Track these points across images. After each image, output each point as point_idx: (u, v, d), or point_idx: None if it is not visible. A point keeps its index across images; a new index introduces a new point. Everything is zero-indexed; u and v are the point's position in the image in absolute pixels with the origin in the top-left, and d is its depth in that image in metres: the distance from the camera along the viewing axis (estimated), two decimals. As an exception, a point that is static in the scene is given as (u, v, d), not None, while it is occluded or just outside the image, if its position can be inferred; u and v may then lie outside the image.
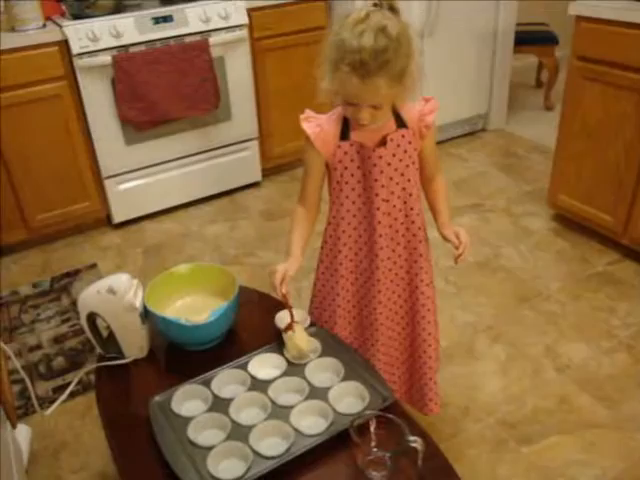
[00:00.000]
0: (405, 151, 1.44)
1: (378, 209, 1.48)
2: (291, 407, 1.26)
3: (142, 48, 2.89)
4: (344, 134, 1.42)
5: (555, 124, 2.88)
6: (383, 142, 1.42)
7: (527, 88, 4.91)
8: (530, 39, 4.28)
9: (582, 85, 2.65)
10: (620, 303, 2.48)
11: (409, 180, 1.47)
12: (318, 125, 1.42)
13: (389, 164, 1.43)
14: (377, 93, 1.27)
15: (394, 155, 1.43)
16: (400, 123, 1.43)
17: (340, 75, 1.26)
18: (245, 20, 3.12)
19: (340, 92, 1.32)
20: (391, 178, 1.45)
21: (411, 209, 1.51)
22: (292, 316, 1.43)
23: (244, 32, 3.14)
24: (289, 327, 1.41)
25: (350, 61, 1.22)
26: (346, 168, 1.45)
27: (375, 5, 1.26)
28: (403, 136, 1.42)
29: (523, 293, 2.56)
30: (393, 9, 1.27)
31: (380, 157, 1.42)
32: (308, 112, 1.45)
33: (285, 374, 1.36)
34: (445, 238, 1.56)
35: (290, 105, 3.45)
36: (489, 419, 1.98)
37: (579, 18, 2.60)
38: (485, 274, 2.69)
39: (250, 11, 3.15)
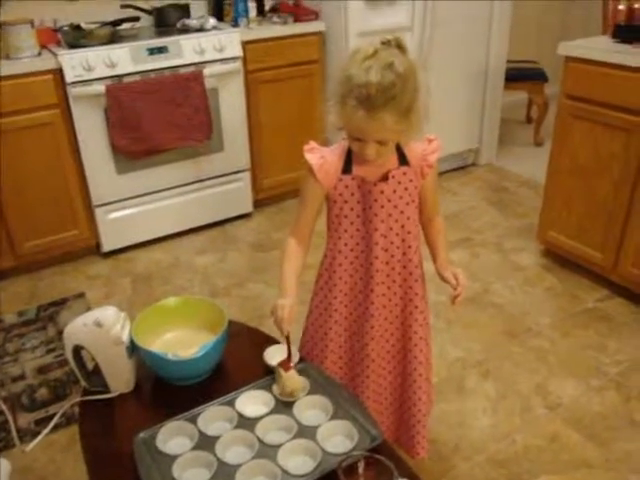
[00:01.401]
0: (406, 188, 1.44)
1: (376, 244, 1.47)
2: (278, 446, 1.24)
3: (136, 78, 2.91)
4: (346, 168, 1.43)
5: (545, 160, 2.91)
6: (384, 178, 1.42)
7: (517, 124, 4.97)
8: (520, 76, 4.35)
9: (571, 123, 2.69)
10: (610, 340, 2.47)
11: (408, 218, 1.47)
12: (322, 157, 1.43)
13: (389, 200, 1.43)
14: (383, 128, 1.28)
15: (394, 191, 1.43)
16: (402, 160, 1.44)
17: (347, 109, 1.27)
18: (239, 52, 3.15)
19: (346, 126, 1.33)
20: (390, 215, 1.45)
21: (409, 247, 1.50)
22: (290, 356, 1.40)
23: (238, 64, 3.16)
24: (286, 367, 1.38)
25: (357, 95, 1.24)
26: (346, 202, 1.45)
27: (383, 43, 1.28)
28: (405, 173, 1.43)
29: (513, 329, 2.56)
30: (401, 47, 1.29)
31: (382, 192, 1.42)
32: (312, 143, 1.45)
33: (273, 412, 1.34)
34: (443, 279, 1.55)
35: (282, 137, 3.48)
36: (479, 457, 1.95)
37: (568, 58, 2.65)
38: (475, 309, 2.68)
39: (245, 44, 3.18)
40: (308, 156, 1.42)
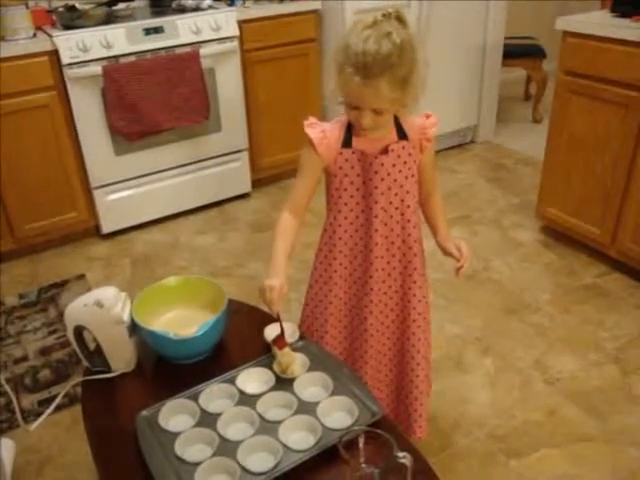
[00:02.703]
0: (405, 162, 1.45)
1: (376, 217, 1.48)
2: (279, 422, 1.25)
3: (132, 59, 2.89)
4: (346, 141, 1.43)
5: (543, 136, 2.90)
6: (384, 151, 1.43)
7: (515, 101, 4.95)
8: (518, 52, 4.32)
9: (569, 99, 2.68)
10: (608, 315, 2.49)
11: (407, 192, 1.48)
12: (322, 131, 1.43)
13: (389, 174, 1.44)
14: (378, 95, 1.29)
15: (394, 165, 1.44)
16: (401, 135, 1.44)
17: (344, 76, 1.29)
18: (236, 32, 3.13)
19: (343, 94, 1.34)
20: (390, 188, 1.46)
21: (408, 221, 1.51)
22: (283, 333, 1.41)
23: (235, 44, 3.14)
24: (280, 344, 1.39)
25: (354, 62, 1.25)
26: (346, 175, 1.45)
27: (384, 15, 1.28)
28: (404, 147, 1.44)
29: (512, 305, 2.57)
30: (401, 20, 1.30)
31: (382, 164, 1.43)
32: (312, 119, 1.46)
33: (273, 388, 1.35)
34: (445, 251, 1.57)
35: (280, 116, 3.47)
36: (478, 432, 1.97)
37: (566, 33, 2.63)
38: (474, 286, 2.69)
39: (241, 23, 3.16)
40: (308, 130, 1.43)
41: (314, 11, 3.38)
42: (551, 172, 2.88)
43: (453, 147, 4.09)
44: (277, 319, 1.41)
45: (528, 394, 2.12)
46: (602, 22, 2.51)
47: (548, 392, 2.12)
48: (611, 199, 2.62)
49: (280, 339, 1.40)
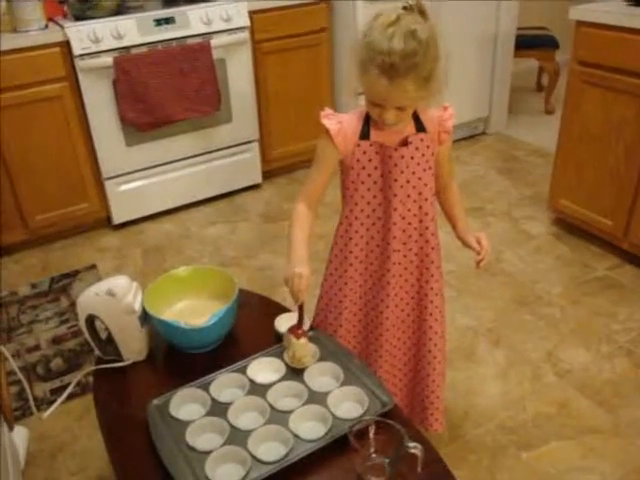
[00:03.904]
0: (423, 155, 1.44)
1: (395, 210, 1.47)
2: (290, 412, 1.26)
3: (143, 50, 2.89)
4: (364, 133, 1.42)
5: (555, 128, 2.88)
6: (402, 144, 1.42)
7: (527, 92, 4.91)
8: (531, 43, 4.28)
9: (582, 90, 2.65)
10: (620, 308, 2.47)
11: (425, 185, 1.47)
12: (339, 122, 1.41)
13: (408, 166, 1.43)
14: (404, 95, 1.28)
15: (412, 158, 1.42)
16: (419, 127, 1.43)
17: (368, 76, 1.27)
18: (247, 22, 3.12)
19: (367, 93, 1.33)
20: (408, 181, 1.44)
21: (426, 214, 1.50)
22: (302, 323, 1.40)
23: (246, 34, 3.14)
24: (296, 334, 1.38)
25: (379, 63, 1.23)
26: (363, 168, 1.44)
27: (405, 8, 1.27)
28: (422, 140, 1.43)
29: (523, 297, 2.56)
30: (422, 13, 1.27)
31: (402, 157, 1.41)
32: (328, 110, 1.44)
33: (284, 378, 1.35)
34: (466, 244, 1.56)
35: (291, 107, 3.46)
36: (489, 424, 1.97)
37: (579, 23, 2.60)
38: (485, 278, 2.68)
39: (252, 13, 3.15)
40: (325, 121, 1.41)
41: (325, 1, 3.37)
42: (563, 164, 2.86)
43: (464, 138, 4.07)
44: (299, 308, 1.39)
45: (539, 386, 2.11)
46: (616, 11, 2.48)
47: (559, 384, 2.11)
48: (624, 191, 2.60)
49: (298, 328, 1.40)
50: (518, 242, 2.94)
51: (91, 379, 1.52)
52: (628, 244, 2.68)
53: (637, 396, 2.05)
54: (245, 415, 1.28)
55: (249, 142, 3.43)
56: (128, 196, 3.18)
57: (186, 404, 1.31)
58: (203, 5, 3.04)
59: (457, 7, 3.54)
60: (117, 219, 3.21)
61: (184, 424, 1.24)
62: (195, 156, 3.29)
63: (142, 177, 3.18)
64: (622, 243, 2.70)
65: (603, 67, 2.54)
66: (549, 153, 3.61)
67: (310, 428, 1.23)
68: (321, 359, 1.40)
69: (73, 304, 2.55)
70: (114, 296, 1.39)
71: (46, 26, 2.81)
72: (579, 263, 2.77)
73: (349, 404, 1.29)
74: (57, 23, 2.86)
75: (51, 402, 2.10)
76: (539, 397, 2.07)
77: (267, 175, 3.63)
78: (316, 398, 1.29)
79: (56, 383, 2.20)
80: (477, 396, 2.08)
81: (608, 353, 2.24)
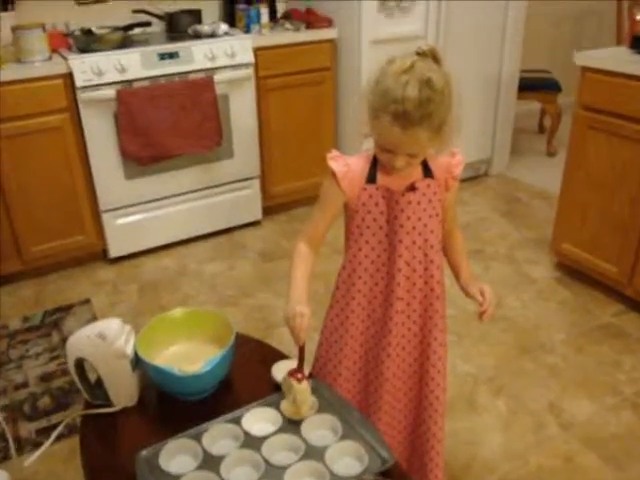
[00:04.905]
0: (430, 201, 1.40)
1: (400, 256, 1.43)
2: (285, 467, 1.19)
3: (146, 83, 2.89)
4: (370, 177, 1.39)
5: (558, 170, 2.86)
6: (409, 189, 1.38)
7: (530, 134, 4.92)
8: (533, 86, 4.31)
9: (587, 134, 2.64)
10: (625, 357, 2.42)
11: (432, 231, 1.43)
12: (346, 165, 1.38)
13: (414, 212, 1.39)
14: (417, 144, 1.26)
15: (419, 203, 1.39)
16: (427, 172, 1.40)
17: (381, 123, 1.24)
18: (251, 59, 3.12)
19: (378, 139, 1.30)
20: (414, 227, 1.41)
21: (431, 262, 1.46)
22: (302, 366, 1.35)
23: (250, 71, 3.14)
24: (299, 377, 1.32)
25: (392, 110, 1.20)
26: (369, 212, 1.41)
27: (418, 54, 1.24)
28: (429, 185, 1.39)
29: (525, 344, 2.50)
30: (436, 59, 1.25)
31: (409, 202, 1.38)
32: (335, 152, 1.41)
33: (280, 430, 1.29)
34: (469, 295, 1.51)
35: (293, 145, 3.45)
36: (491, 477, 1.90)
37: (584, 69, 2.60)
38: (487, 323, 2.59)
39: (256, 50, 3.15)
40: (332, 163, 1.38)
41: (330, 40, 3.38)
42: (567, 207, 2.83)
43: (466, 179, 4.05)
44: (300, 350, 1.34)
45: (542, 438, 2.04)
46: (622, 58, 2.48)
47: (563, 437, 2.05)
48: (629, 237, 2.56)
49: (299, 371, 1.34)
50: (520, 286, 2.90)
51: (79, 420, 1.45)
52: (632, 291, 2.63)
53: (644, 452, 1.98)
54: (238, 469, 1.21)
55: (250, 178, 3.40)
56: (125, 230, 3.14)
57: (177, 456, 1.25)
58: (208, 41, 3.04)
59: (462, 49, 3.55)
60: (114, 253, 3.16)
61: (174, 478, 1.18)
62: (195, 191, 3.26)
63: (140, 211, 3.15)
64: (626, 289, 2.66)
65: (608, 113, 2.53)
66: (551, 196, 3.60)
67: (306, 486, 1.17)
68: (319, 411, 1.34)
69: (64, 340, 2.48)
70: (105, 339, 1.34)
71: (50, 57, 2.81)
72: (582, 309, 2.72)
73: (348, 460, 1.23)
74: (61, 55, 2.86)
75: (36, 443, 2.02)
76: (542, 450, 2.00)
77: (267, 212, 3.59)
78: (313, 453, 1.23)
79: (42, 423, 2.13)
80: (478, 447, 2.02)
81: (613, 405, 2.18)
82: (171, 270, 3.12)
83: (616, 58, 2.50)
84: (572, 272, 2.94)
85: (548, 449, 2.00)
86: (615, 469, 1.92)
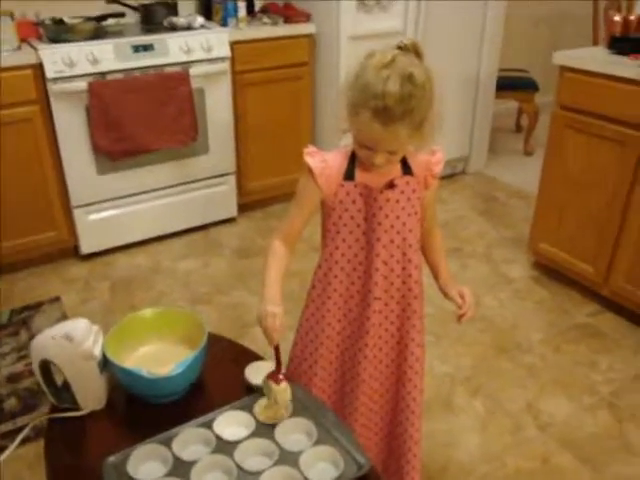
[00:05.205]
0: (409, 199, 1.37)
1: (377, 255, 1.39)
2: (258, 473, 1.15)
3: (120, 76, 2.81)
4: (348, 174, 1.35)
5: (534, 169, 2.86)
6: (388, 186, 1.35)
7: (507, 132, 4.93)
8: (511, 85, 4.31)
9: (565, 134, 2.63)
10: (601, 356, 2.42)
11: (410, 230, 1.40)
12: (323, 161, 1.34)
13: (392, 210, 1.36)
14: (397, 140, 1.22)
15: (397, 201, 1.36)
16: (406, 169, 1.36)
17: (360, 119, 1.20)
18: (227, 53, 3.07)
19: (357, 135, 1.26)
20: (392, 226, 1.37)
21: (409, 261, 1.42)
22: (280, 368, 1.31)
23: (226, 65, 3.08)
24: (278, 379, 1.28)
25: (373, 106, 1.17)
26: (346, 210, 1.37)
27: (400, 48, 1.20)
28: (408, 183, 1.36)
29: (502, 344, 2.49)
30: (418, 54, 1.22)
31: (387, 200, 1.34)
32: (312, 147, 1.37)
33: (253, 435, 1.25)
34: (448, 297, 1.48)
35: (269, 140, 3.40)
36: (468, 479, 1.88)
37: (563, 68, 2.59)
38: (464, 323, 2.59)
39: (233, 44, 3.10)
40: (309, 159, 1.34)
41: (308, 35, 3.34)
42: (544, 207, 2.82)
43: (444, 177, 4.03)
44: (276, 350, 1.30)
45: (520, 439, 2.03)
46: (600, 59, 2.48)
47: (540, 438, 2.03)
48: (605, 238, 2.57)
49: (277, 373, 1.30)
50: (497, 285, 2.89)
51: (46, 422, 1.40)
52: (608, 291, 2.63)
53: (622, 453, 1.97)
54: (209, 476, 1.17)
55: (225, 174, 3.34)
56: (98, 226, 3.06)
57: (146, 462, 1.20)
58: (184, 33, 2.98)
59: (440, 47, 3.53)
60: (85, 249, 3.08)
61: (142, 485, 1.13)
62: (169, 187, 3.20)
63: (113, 207, 3.07)
64: (602, 290, 2.66)
65: (586, 112, 2.53)
66: (528, 195, 3.60)
67: (280, 492, 1.13)
68: (294, 414, 1.30)
69: (33, 338, 2.41)
70: (72, 340, 1.28)
71: (19, 47, 2.72)
72: (559, 309, 2.71)
73: (323, 465, 1.20)
74: (31, 45, 2.77)
75: (1, 448, 1.95)
76: (520, 451, 1.98)
77: (243, 209, 3.54)
78: (287, 458, 1.19)
79: (8, 426, 2.05)
80: (455, 449, 1.99)
81: (590, 405, 2.17)
82: (144, 267, 3.05)
83: (594, 58, 2.49)
84: (549, 271, 2.93)
85: (525, 450, 1.98)
86: (591, 470, 1.91)
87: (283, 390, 1.28)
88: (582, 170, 2.60)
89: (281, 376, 1.29)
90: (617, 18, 2.71)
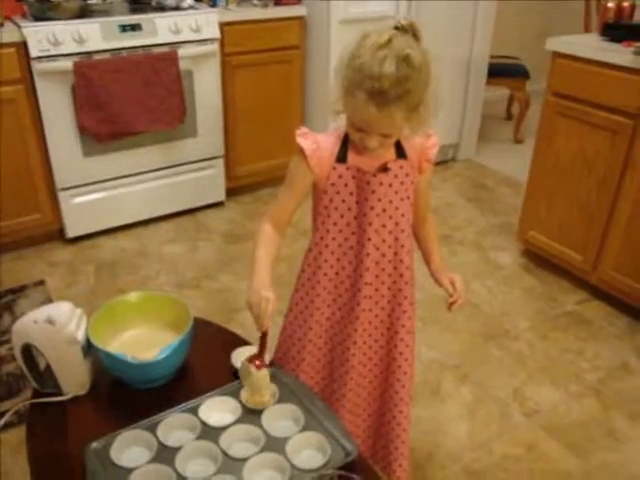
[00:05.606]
0: (402, 183, 1.34)
1: (369, 240, 1.37)
2: (244, 459, 1.14)
3: (106, 56, 2.76)
4: (341, 156, 1.32)
5: (524, 157, 2.84)
6: (381, 170, 1.32)
7: (498, 120, 4.92)
8: (502, 71, 4.29)
9: (556, 121, 2.62)
10: (588, 344, 2.42)
11: (402, 215, 1.37)
12: (315, 142, 1.31)
13: (385, 194, 1.33)
14: (392, 123, 1.19)
15: (390, 185, 1.33)
16: (400, 153, 1.34)
17: (354, 100, 1.17)
18: (217, 34, 3.02)
19: (351, 117, 1.23)
20: (385, 210, 1.35)
21: (401, 246, 1.40)
22: (263, 353, 1.28)
23: (215, 46, 3.03)
24: (259, 364, 1.26)
25: (368, 88, 1.13)
26: (338, 193, 1.34)
27: (397, 28, 1.17)
28: (401, 167, 1.33)
29: (490, 331, 2.48)
30: (416, 35, 1.19)
31: (380, 183, 1.32)
32: (304, 129, 1.34)
33: (239, 420, 1.23)
34: (439, 283, 1.47)
35: (259, 124, 3.36)
36: (454, 466, 1.87)
37: (555, 54, 2.57)
38: (454, 310, 2.59)
39: (222, 25, 3.05)
40: (301, 141, 1.30)
41: (299, 17, 3.29)
42: (534, 195, 2.81)
43: (434, 164, 4.01)
44: (263, 335, 1.27)
45: (507, 427, 2.03)
46: (593, 45, 2.46)
47: (527, 425, 2.03)
48: (594, 226, 2.56)
49: (258, 358, 1.27)
50: (486, 273, 2.88)
51: (28, 408, 1.37)
52: (597, 279, 2.63)
53: (607, 439, 1.98)
54: (194, 462, 1.15)
55: (214, 158, 3.30)
56: (83, 209, 3.02)
57: (129, 448, 1.18)
58: (172, 13, 2.92)
59: (432, 31, 3.46)
60: (71, 232, 3.04)
61: (126, 471, 1.11)
62: (156, 170, 3.15)
63: (99, 189, 3.03)
64: (590, 278, 2.66)
65: (577, 99, 2.51)
66: (518, 183, 3.60)
67: (266, 479, 1.11)
68: (281, 400, 1.28)
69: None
70: (54, 324, 1.25)
71: (1, 24, 2.66)
72: (547, 297, 2.71)
73: (310, 452, 1.18)
74: (14, 22, 2.71)
75: (-17, 431, 1.93)
76: (507, 438, 1.98)
77: (231, 193, 3.50)
78: (274, 444, 1.18)
79: (-9, 410, 2.03)
80: (443, 435, 1.99)
81: (577, 392, 2.17)
82: (130, 251, 3.01)
83: (587, 45, 2.47)
84: (538, 259, 2.93)
85: (512, 437, 1.98)
86: (577, 456, 1.91)
87: (263, 376, 1.26)
88: (572, 158, 2.59)
89: (259, 362, 1.26)
90: (611, 4, 2.69)
